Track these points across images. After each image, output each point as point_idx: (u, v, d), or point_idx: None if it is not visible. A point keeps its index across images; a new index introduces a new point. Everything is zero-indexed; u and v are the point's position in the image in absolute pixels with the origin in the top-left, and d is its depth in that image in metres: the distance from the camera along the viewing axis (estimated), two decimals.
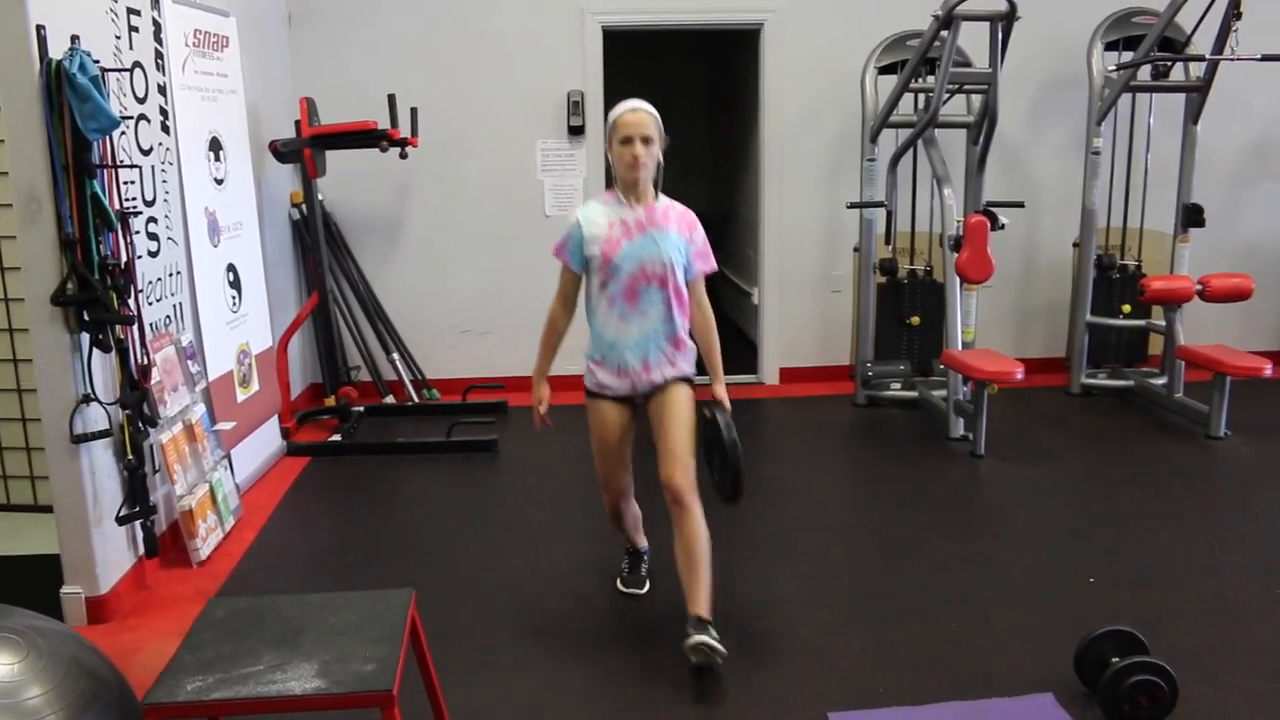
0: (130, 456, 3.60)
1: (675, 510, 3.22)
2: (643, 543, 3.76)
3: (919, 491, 4.72)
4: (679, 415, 3.29)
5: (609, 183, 3.41)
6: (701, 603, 3.13)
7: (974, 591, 3.70)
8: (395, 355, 6.19)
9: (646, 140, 3.20)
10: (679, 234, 3.29)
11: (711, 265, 3.40)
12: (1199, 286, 5.54)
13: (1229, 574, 3.81)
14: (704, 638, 3.02)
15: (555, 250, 3.36)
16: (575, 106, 6.16)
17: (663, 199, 3.34)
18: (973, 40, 5.53)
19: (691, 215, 3.37)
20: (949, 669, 3.16)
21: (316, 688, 1.89)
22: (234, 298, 4.76)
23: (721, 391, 3.41)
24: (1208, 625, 3.41)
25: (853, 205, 5.92)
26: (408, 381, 6.19)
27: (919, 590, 3.71)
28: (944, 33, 5.09)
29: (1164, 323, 5.79)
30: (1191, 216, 6.01)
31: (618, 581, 3.74)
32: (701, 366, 3.42)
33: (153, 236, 4.01)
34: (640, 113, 3.22)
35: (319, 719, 2.83)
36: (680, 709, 2.96)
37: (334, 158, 5.75)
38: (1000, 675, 3.12)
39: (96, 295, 3.38)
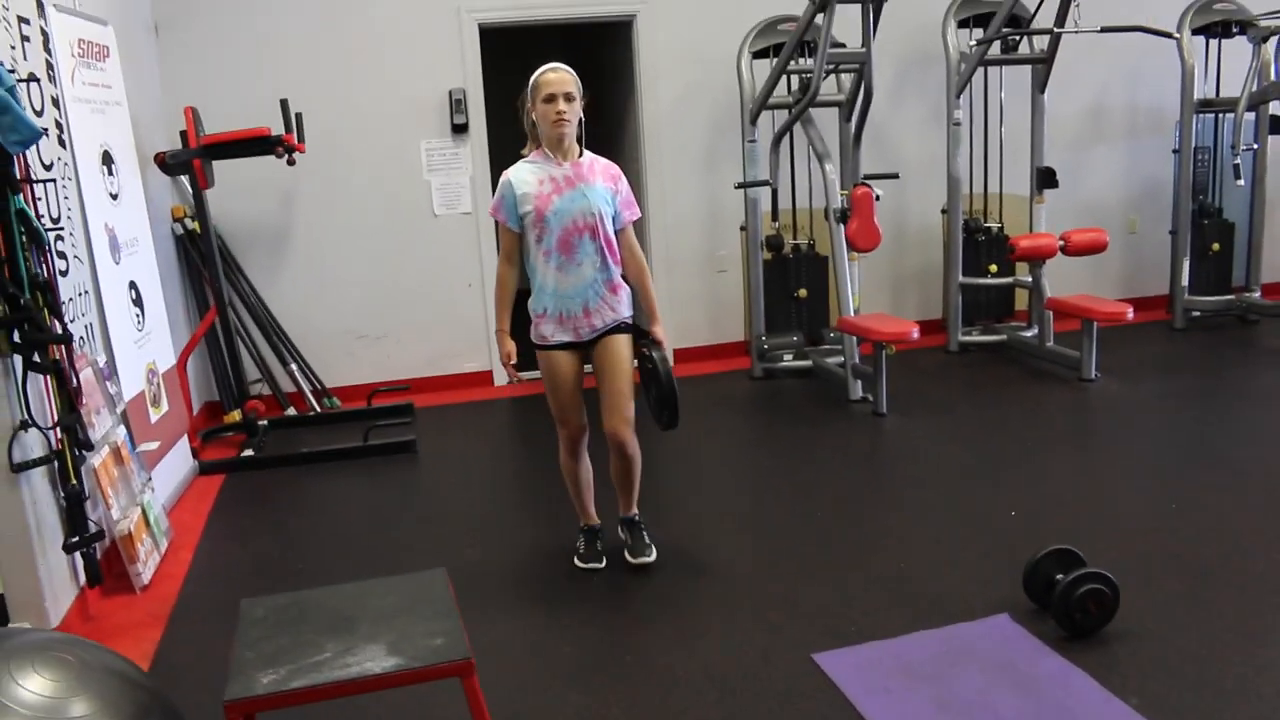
0: (73, 482, 3.47)
1: (617, 451, 3.66)
2: (595, 520, 3.87)
3: (834, 452, 4.96)
4: (620, 367, 3.59)
5: (532, 139, 3.56)
6: (632, 504, 3.82)
7: (910, 535, 3.94)
8: (293, 366, 6.08)
9: (569, 97, 3.40)
10: (605, 185, 3.53)
11: (636, 213, 3.66)
12: (1061, 242, 5.99)
13: (1126, 493, 4.20)
14: (645, 559, 3.74)
15: (493, 210, 3.58)
16: (457, 105, 6.17)
17: (587, 154, 3.56)
18: (837, 22, 5.80)
19: (615, 168, 3.62)
20: (908, 605, 3.37)
21: (396, 665, 1.92)
22: (138, 316, 4.61)
23: (659, 331, 3.69)
24: (1123, 538, 3.74)
25: (740, 185, 6.13)
26: (308, 391, 6.08)
27: (862, 539, 3.92)
28: (820, 16, 5.34)
29: (1030, 279, 6.22)
30: (1046, 178, 6.48)
31: (575, 559, 3.82)
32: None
33: (61, 255, 3.86)
34: (560, 71, 3.43)
35: (387, 707, 2.86)
36: (672, 664, 3.07)
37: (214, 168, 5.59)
38: (955, 604, 3.34)
39: (30, 314, 3.25)
